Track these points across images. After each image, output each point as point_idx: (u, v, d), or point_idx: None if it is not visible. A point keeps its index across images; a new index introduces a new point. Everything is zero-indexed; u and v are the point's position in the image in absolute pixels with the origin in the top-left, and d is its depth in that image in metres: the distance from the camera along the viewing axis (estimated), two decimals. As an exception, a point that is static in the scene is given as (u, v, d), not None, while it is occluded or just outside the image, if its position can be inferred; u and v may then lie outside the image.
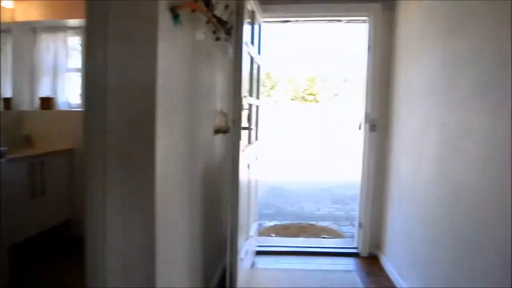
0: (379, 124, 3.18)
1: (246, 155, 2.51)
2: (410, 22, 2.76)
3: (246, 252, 2.81)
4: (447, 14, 2.09)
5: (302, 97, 31.61)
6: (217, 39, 2.36)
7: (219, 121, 2.59)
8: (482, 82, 1.67)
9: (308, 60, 37.62)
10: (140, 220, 1.46)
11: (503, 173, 1.48)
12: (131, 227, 1.46)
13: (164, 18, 1.49)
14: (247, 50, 2.35)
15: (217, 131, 2.56)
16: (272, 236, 3.91)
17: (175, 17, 1.59)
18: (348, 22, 3.55)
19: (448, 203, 1.99)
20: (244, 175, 2.49)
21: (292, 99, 31.72)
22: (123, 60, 1.43)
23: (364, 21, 3.31)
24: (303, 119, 24.22)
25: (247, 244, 2.82)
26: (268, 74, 31.55)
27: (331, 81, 33.29)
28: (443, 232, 2.03)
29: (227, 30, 2.46)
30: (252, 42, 2.71)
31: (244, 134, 2.40)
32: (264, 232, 4.09)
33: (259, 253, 3.30)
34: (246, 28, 2.33)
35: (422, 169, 2.36)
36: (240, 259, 2.42)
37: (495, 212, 1.54)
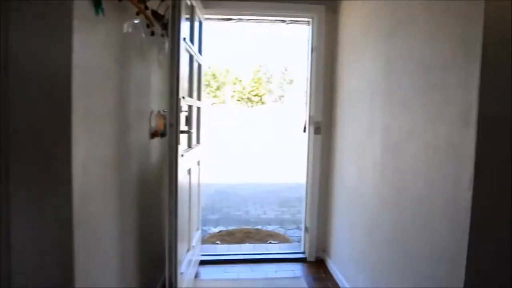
0: (323, 126, 3.15)
1: (186, 160, 2.33)
2: (352, 24, 2.76)
3: (189, 263, 2.62)
4: (388, 16, 2.08)
5: (248, 99, 31.74)
6: (152, 33, 2.16)
7: (156, 124, 2.38)
8: (424, 85, 1.66)
9: (255, 61, 37.92)
10: (57, 233, 1.27)
11: (445, 177, 1.46)
12: (44, 241, 1.26)
13: (82, 6, 1.28)
14: (185, 47, 2.18)
15: (154, 135, 2.35)
16: (217, 244, 3.75)
17: (97, 6, 1.39)
18: (292, 23, 3.50)
19: (392, 206, 1.97)
20: (184, 181, 2.31)
21: (238, 100, 31.72)
22: (29, 52, 1.21)
23: (307, 23, 3.28)
24: (249, 121, 24.30)
25: (190, 254, 2.64)
26: (214, 75, 31.32)
27: (277, 82, 33.85)
28: (388, 235, 2.02)
29: (164, 25, 2.27)
30: (192, 40, 2.54)
31: (183, 138, 2.22)
32: (209, 239, 3.92)
33: (203, 262, 3.13)
34: (185, 24, 2.16)
35: (366, 172, 2.34)
36: (181, 273, 2.23)
37: (438, 216, 1.52)
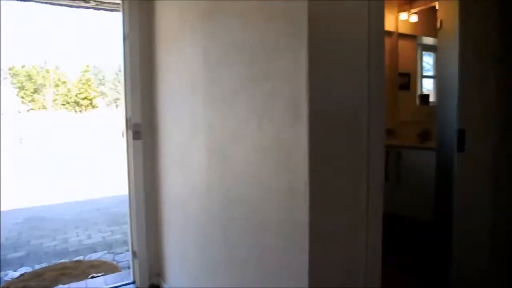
0: (144, 130, 2.64)
1: None
2: (170, 5, 2.32)
3: None
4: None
5: (76, 102, 28.12)
6: None
7: None
8: (247, 75, 1.35)
9: (83, 60, 33.92)
10: None
11: (278, 184, 1.18)
12: None
13: None
14: None
15: None
16: (14, 294, 2.80)
17: None
18: (98, 5, 2.86)
19: (221, 221, 1.63)
20: None
21: (63, 105, 27.74)
22: None
23: (118, 6, 2.70)
24: (77, 127, 21.51)
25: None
26: (29, 76, 26.61)
27: (111, 84, 31.18)
28: (219, 252, 1.68)
29: None
30: None
31: None
32: (3, 290, 2.92)
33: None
34: None
35: (192, 181, 1.96)
36: None
37: (271, 231, 1.24)
